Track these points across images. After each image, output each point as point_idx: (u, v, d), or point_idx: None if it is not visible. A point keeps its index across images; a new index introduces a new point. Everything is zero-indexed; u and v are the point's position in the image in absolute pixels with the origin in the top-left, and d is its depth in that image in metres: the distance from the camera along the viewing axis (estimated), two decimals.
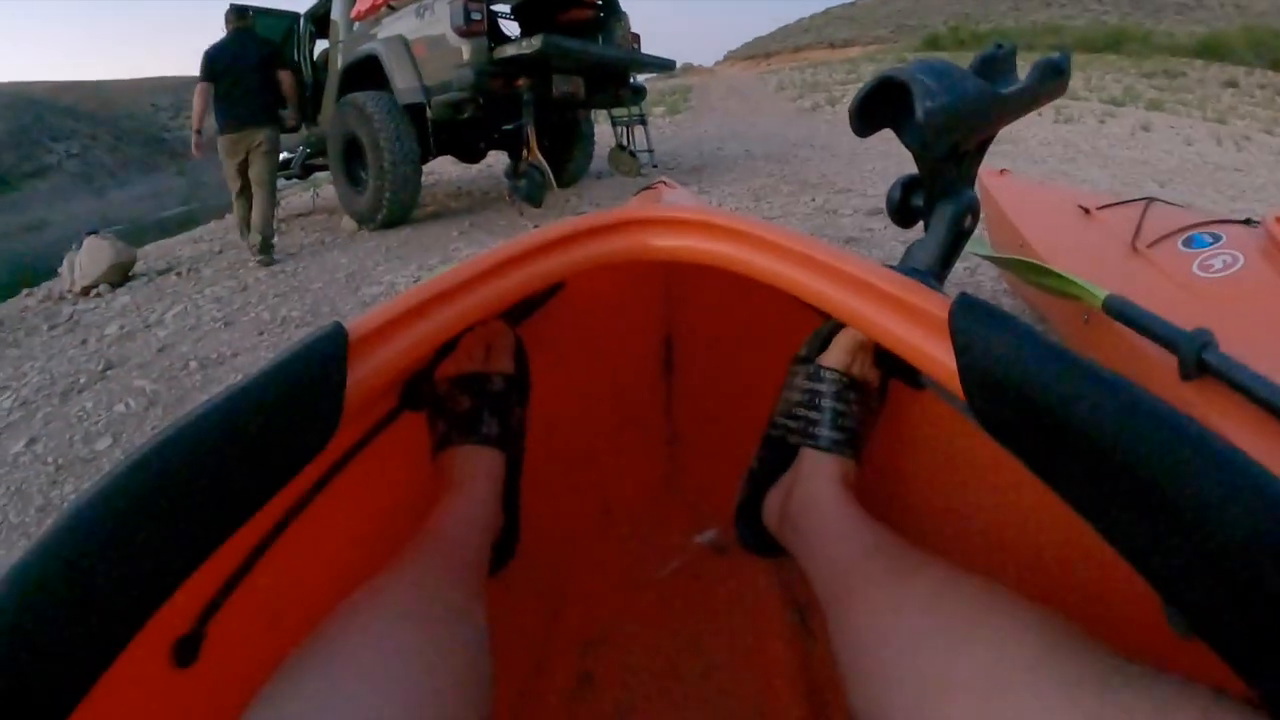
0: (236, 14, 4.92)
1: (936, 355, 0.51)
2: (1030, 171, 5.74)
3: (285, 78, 5.12)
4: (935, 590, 0.52)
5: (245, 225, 5.10)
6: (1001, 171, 2.58)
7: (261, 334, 3.30)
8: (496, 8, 6.42)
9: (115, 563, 0.40)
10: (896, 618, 0.52)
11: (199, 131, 5.08)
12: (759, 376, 0.91)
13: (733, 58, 61.08)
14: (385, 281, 3.86)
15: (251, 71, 4.78)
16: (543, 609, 0.99)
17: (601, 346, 1.11)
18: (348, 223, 5.83)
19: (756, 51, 58.50)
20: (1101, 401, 0.40)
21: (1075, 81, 13.49)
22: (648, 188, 1.44)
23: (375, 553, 0.67)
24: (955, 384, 0.49)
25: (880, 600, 0.55)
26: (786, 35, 61.52)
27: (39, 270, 6.99)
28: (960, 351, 0.49)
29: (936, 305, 0.52)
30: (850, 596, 0.59)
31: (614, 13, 6.31)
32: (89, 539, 0.39)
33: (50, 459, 2.42)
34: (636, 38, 6.40)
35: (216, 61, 4.72)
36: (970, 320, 0.49)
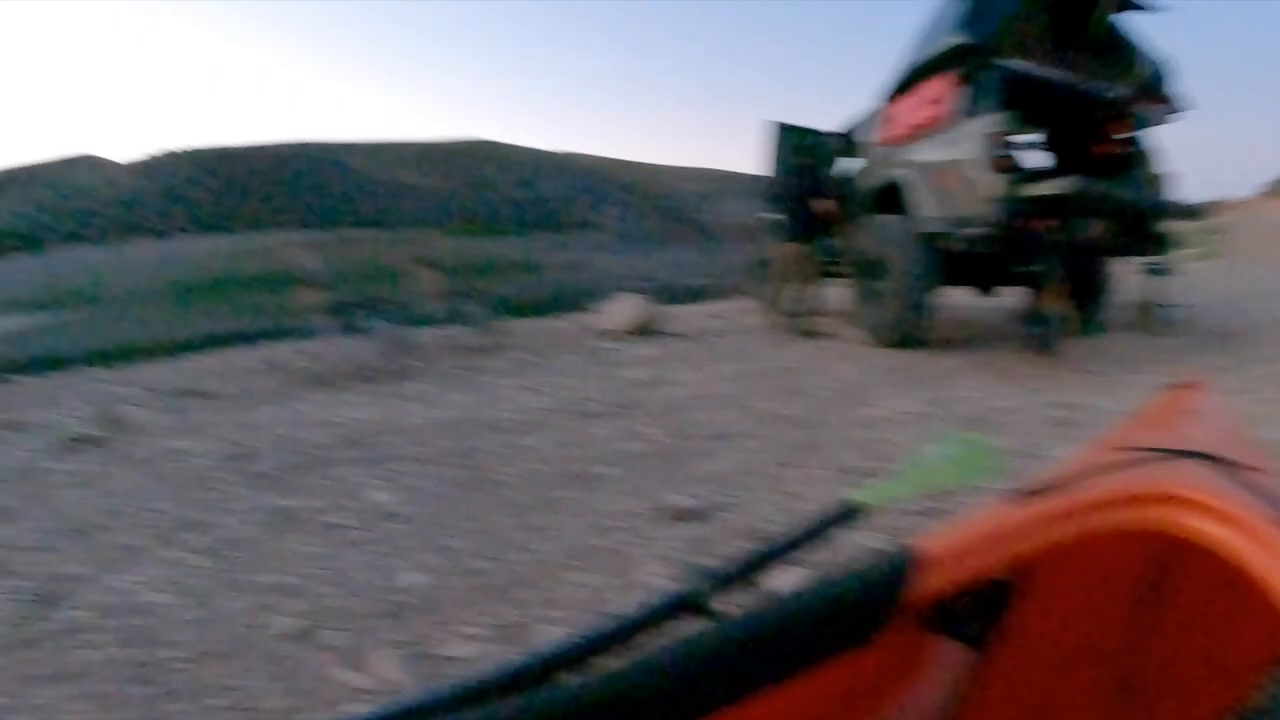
0: (794, 150, 6.78)
1: None
2: None
3: (822, 207, 6.39)
4: None
5: (772, 305, 6.80)
6: None
7: (761, 423, 3.70)
8: (1022, 137, 6.19)
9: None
10: None
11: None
12: (1241, 651, 0.87)
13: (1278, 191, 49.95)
14: (880, 406, 4.01)
15: (799, 199, 6.55)
16: None
17: (1083, 560, 1.02)
18: (854, 332, 6.08)
19: None
20: None
21: None
22: (1177, 385, 1.28)
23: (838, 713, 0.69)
24: None
25: None
26: None
27: (569, 301, 8.70)
28: None
29: None
30: None
31: (1142, 149, 5.71)
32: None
33: (554, 462, 3.01)
34: (1168, 176, 5.70)
35: (777, 195, 6.81)
36: None
